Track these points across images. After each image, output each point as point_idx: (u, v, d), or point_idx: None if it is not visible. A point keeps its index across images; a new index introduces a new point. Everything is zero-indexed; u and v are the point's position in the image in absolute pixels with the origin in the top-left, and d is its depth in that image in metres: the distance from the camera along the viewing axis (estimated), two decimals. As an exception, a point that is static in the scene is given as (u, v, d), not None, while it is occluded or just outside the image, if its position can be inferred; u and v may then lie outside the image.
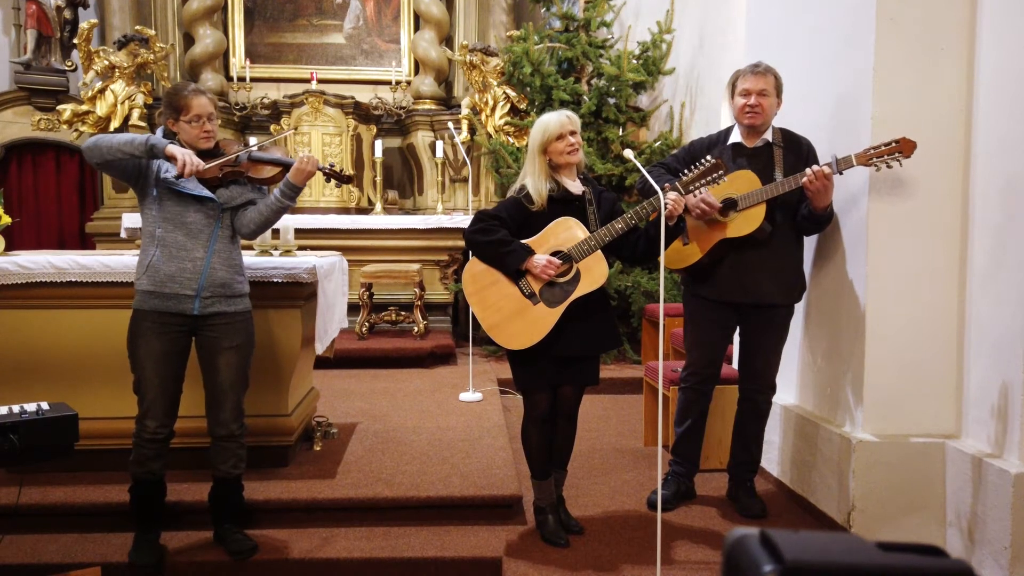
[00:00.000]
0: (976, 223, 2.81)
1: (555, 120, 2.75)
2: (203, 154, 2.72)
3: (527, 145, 2.89)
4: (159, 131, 2.76)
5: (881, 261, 2.93)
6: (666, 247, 2.74)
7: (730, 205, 2.96)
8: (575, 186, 2.83)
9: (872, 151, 2.81)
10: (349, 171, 3.06)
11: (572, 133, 2.75)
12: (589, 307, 2.77)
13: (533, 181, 2.78)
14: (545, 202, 2.76)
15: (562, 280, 2.74)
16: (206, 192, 2.69)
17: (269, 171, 2.82)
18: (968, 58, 2.86)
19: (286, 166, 2.81)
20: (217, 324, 2.72)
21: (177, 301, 2.66)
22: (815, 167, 2.86)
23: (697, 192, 2.83)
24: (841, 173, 2.88)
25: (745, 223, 2.95)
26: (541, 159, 2.78)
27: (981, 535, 2.67)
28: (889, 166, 2.80)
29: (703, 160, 2.69)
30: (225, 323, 2.73)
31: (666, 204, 2.58)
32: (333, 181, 2.97)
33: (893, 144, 2.78)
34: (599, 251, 2.73)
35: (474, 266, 2.81)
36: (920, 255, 2.92)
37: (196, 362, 2.79)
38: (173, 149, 2.56)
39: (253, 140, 2.71)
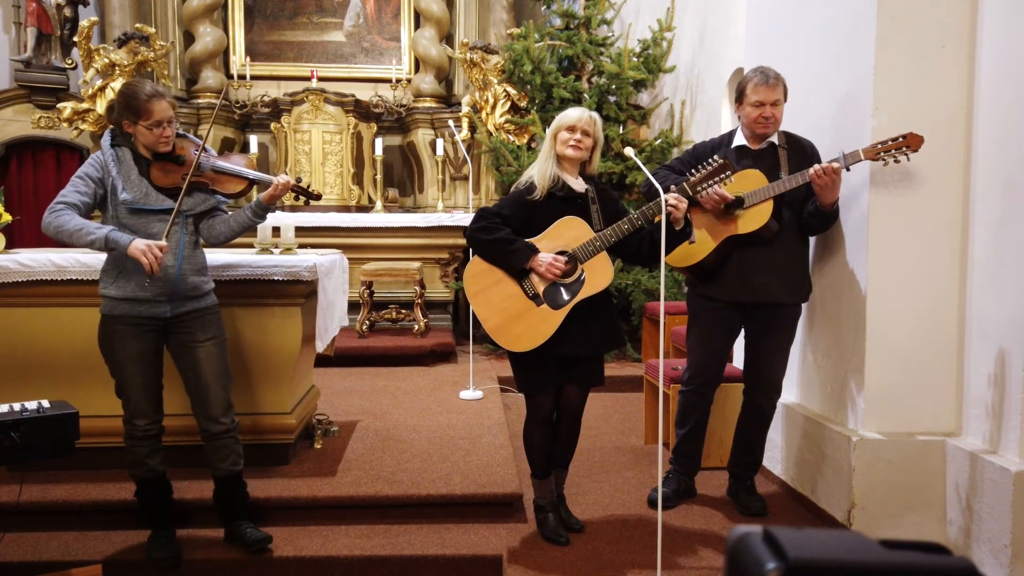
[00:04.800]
0: (977, 220, 2.81)
1: (575, 112, 2.78)
2: (161, 158, 2.68)
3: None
4: (107, 133, 2.68)
5: (882, 259, 2.92)
6: (672, 251, 2.73)
7: (737, 203, 2.95)
8: (578, 183, 2.81)
9: (880, 145, 2.80)
10: (318, 189, 3.02)
11: (584, 133, 2.75)
12: (593, 307, 2.73)
13: (540, 164, 2.79)
14: (547, 187, 2.74)
15: (567, 281, 2.70)
16: (169, 204, 2.64)
17: (235, 186, 2.78)
18: (969, 55, 2.86)
19: (251, 181, 2.79)
20: (189, 320, 2.72)
21: (149, 306, 2.64)
22: (824, 163, 2.85)
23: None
24: (848, 168, 2.87)
25: (753, 220, 2.94)
26: (551, 143, 2.80)
27: (981, 532, 2.67)
28: (897, 160, 2.80)
29: (710, 160, 2.67)
30: (197, 318, 2.73)
31: (667, 204, 2.56)
32: (303, 198, 2.91)
33: (900, 139, 2.78)
34: (604, 252, 2.70)
35: (475, 266, 2.77)
36: (921, 252, 2.92)
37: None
38: (134, 250, 2.47)
39: (195, 139, 2.57)
